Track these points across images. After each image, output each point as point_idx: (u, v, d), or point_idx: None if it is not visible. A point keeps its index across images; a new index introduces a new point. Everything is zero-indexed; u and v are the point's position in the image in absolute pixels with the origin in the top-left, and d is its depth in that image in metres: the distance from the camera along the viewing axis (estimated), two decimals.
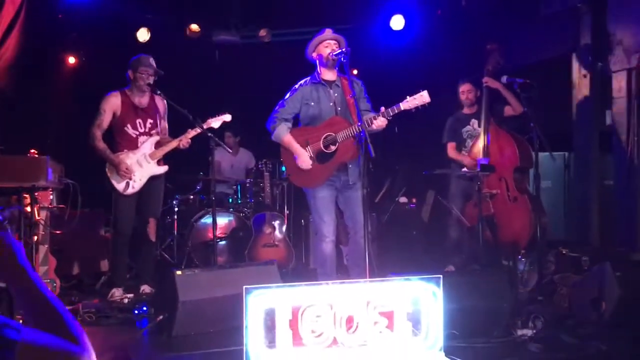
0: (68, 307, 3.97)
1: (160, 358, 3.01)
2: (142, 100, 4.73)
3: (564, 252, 4.51)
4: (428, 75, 5.96)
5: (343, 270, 4.98)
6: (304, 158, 4.13)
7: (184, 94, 4.96)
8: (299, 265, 5.95)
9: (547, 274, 4.48)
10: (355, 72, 7.50)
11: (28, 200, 4.02)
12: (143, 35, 6.97)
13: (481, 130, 4.99)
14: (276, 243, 5.70)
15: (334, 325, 2.76)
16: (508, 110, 5.11)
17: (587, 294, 3.68)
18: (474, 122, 5.32)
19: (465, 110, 5.44)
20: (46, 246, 4.41)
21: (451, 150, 5.42)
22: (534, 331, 3.27)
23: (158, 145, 4.74)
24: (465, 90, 5.34)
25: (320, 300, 2.76)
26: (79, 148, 5.01)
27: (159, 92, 4.61)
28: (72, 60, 7.28)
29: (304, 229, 6.15)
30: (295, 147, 4.17)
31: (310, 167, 4.13)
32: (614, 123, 5.13)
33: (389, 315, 2.83)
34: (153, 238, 4.82)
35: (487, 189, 4.84)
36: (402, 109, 3.89)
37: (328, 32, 4.18)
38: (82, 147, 4.74)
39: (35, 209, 4.10)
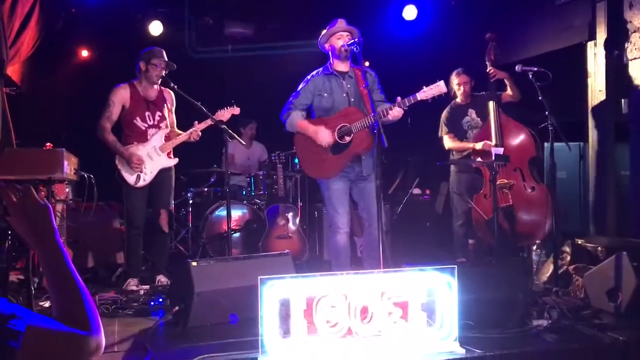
0: None
1: (176, 348, 3.02)
2: (151, 92, 4.73)
3: (579, 242, 4.47)
4: (441, 65, 5.91)
5: (357, 262, 4.98)
6: (323, 133, 4.07)
7: (196, 87, 4.96)
8: (312, 257, 5.97)
9: (562, 265, 4.45)
10: (367, 63, 7.49)
11: (44, 193, 4.07)
12: (156, 28, 6.99)
13: (490, 119, 4.94)
14: (290, 235, 5.71)
15: (348, 316, 2.77)
16: (505, 97, 5.07)
17: (603, 285, 3.65)
18: (472, 112, 5.26)
19: (460, 101, 5.34)
20: (63, 239, 4.46)
21: (451, 140, 5.31)
22: (550, 321, 3.24)
23: (167, 138, 4.75)
24: (462, 82, 5.25)
25: (334, 290, 2.77)
26: (93, 141, 5.05)
27: (172, 84, 4.61)
28: (85, 53, 7.32)
29: (318, 220, 6.15)
30: (311, 127, 4.13)
31: (332, 141, 4.09)
32: (630, 112, 5.07)
33: (403, 306, 2.84)
34: (166, 229, 4.84)
35: (503, 180, 4.81)
36: (419, 99, 3.87)
37: (341, 23, 4.16)
38: (96, 141, 4.77)
39: (52, 202, 4.14)
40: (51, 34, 6.27)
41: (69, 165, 3.75)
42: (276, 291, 2.68)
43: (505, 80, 4.99)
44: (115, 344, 3.10)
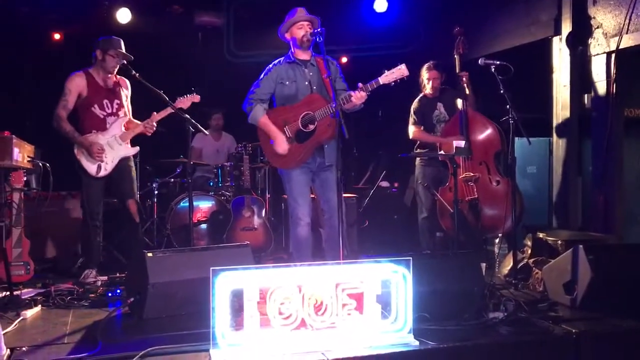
0: (41, 290, 3.90)
1: (128, 340, 2.97)
2: (108, 80, 4.64)
3: (540, 236, 4.52)
4: (412, 56, 5.90)
5: (322, 253, 4.96)
6: (281, 141, 4.10)
7: (164, 75, 4.88)
8: (278, 249, 5.94)
9: (523, 258, 4.49)
10: (344, 59, 7.47)
11: None
12: (124, 15, 6.84)
13: (457, 114, 4.96)
14: (255, 227, 5.67)
15: (302, 307, 2.75)
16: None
17: (560, 278, 3.69)
18: (440, 105, 5.27)
19: (429, 94, 5.33)
20: (20, 228, 4.36)
21: (419, 132, 5.29)
22: (505, 314, 3.26)
23: (127, 126, 4.66)
24: (432, 78, 5.24)
25: (288, 282, 2.74)
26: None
27: (133, 72, 4.49)
28: (56, 37, 7.12)
29: (284, 212, 6.11)
30: (272, 129, 4.13)
31: (287, 151, 4.09)
32: (593, 107, 5.13)
33: (358, 297, 2.82)
34: (137, 219, 4.75)
35: (468, 173, 4.83)
36: (381, 83, 3.87)
37: (301, 12, 4.12)
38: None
39: (6, 189, 4.03)
40: (18, 18, 6.12)
41: (21, 153, 3.65)
42: (229, 282, 2.64)
43: (465, 84, 5.01)
44: (65, 335, 3.04)
